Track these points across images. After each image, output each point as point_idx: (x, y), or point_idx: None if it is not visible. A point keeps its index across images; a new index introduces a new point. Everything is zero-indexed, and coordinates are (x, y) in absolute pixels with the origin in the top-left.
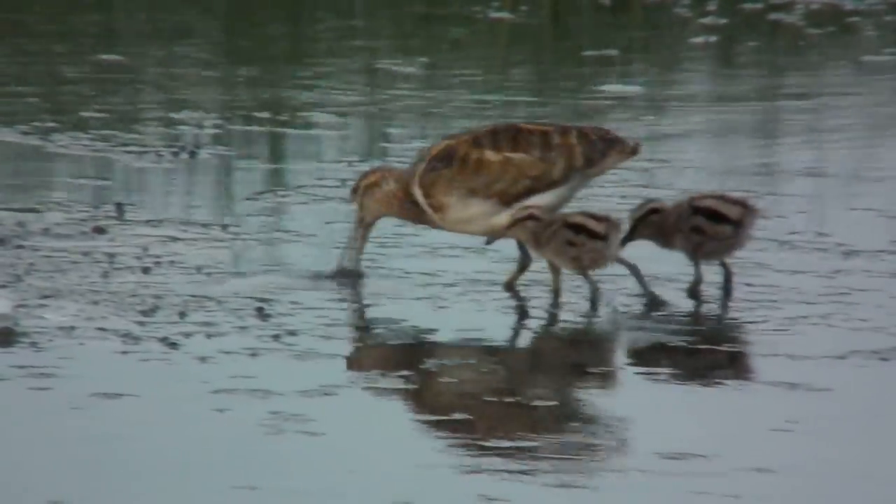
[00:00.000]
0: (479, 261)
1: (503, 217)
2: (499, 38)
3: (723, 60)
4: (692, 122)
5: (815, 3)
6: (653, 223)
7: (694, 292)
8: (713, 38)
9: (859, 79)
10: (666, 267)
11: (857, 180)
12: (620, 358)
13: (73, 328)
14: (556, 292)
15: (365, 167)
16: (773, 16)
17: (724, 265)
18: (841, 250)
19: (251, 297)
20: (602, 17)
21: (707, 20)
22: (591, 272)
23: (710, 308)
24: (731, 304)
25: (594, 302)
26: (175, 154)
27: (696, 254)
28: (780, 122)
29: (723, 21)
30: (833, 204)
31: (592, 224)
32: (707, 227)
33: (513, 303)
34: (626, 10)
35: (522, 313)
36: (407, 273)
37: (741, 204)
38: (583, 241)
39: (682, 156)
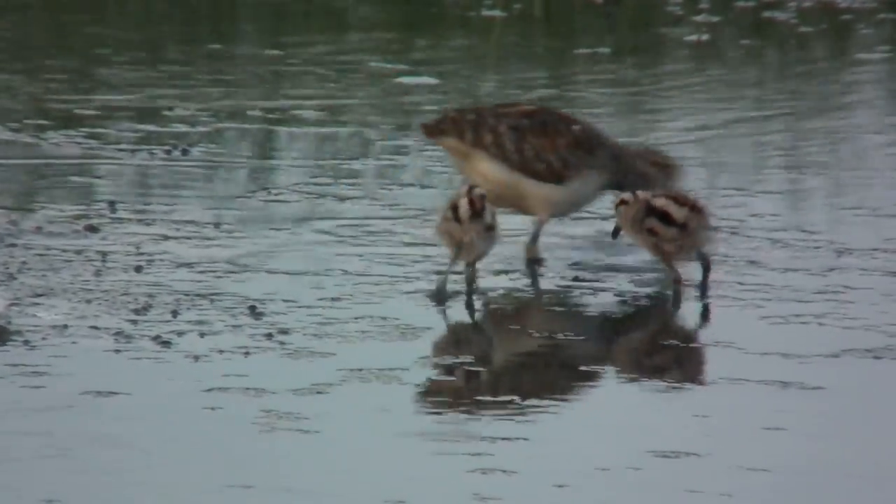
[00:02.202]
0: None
1: None
2: (491, 35)
3: (715, 58)
4: (687, 119)
5: (808, 0)
6: (619, 213)
7: (674, 290)
8: (705, 36)
9: (852, 77)
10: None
11: (851, 178)
12: (611, 357)
13: (65, 326)
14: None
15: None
16: (766, 13)
17: (702, 257)
18: (833, 248)
19: (244, 296)
20: (594, 15)
21: (699, 18)
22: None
23: (701, 306)
24: (719, 301)
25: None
26: (168, 152)
27: (658, 254)
28: (774, 119)
29: (715, 19)
30: (825, 202)
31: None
32: (659, 228)
33: (501, 303)
34: (619, 8)
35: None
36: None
37: (690, 205)
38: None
39: (675, 152)
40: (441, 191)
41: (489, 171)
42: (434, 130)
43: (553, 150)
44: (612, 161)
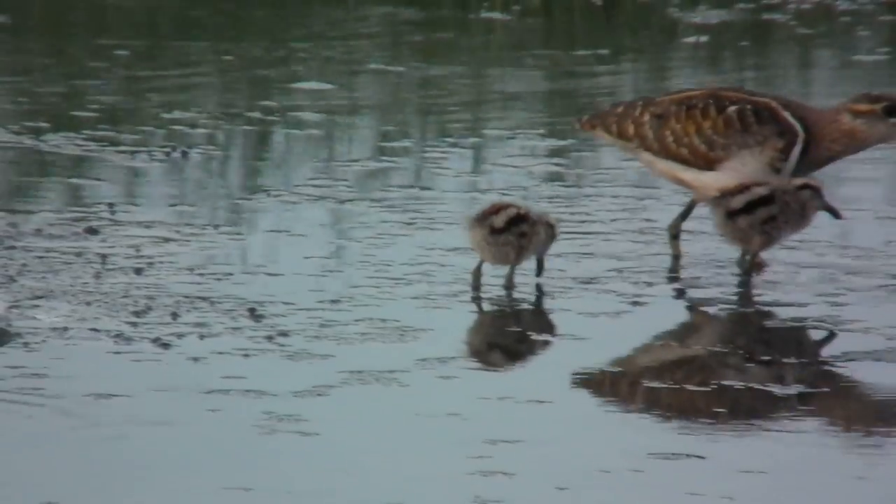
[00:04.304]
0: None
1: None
2: (490, 37)
3: (714, 60)
4: None
5: (806, 2)
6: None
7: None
8: (704, 38)
9: (851, 79)
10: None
11: (850, 179)
12: (611, 358)
13: (65, 329)
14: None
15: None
16: (765, 15)
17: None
18: (833, 250)
19: (244, 298)
20: (594, 16)
21: (698, 19)
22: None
23: (703, 307)
24: (719, 303)
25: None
26: (167, 154)
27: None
28: None
29: (714, 21)
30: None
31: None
32: None
33: (499, 302)
34: (618, 10)
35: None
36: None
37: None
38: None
39: None
40: (440, 193)
41: (644, 160)
42: (585, 124)
43: (697, 133)
44: (788, 134)
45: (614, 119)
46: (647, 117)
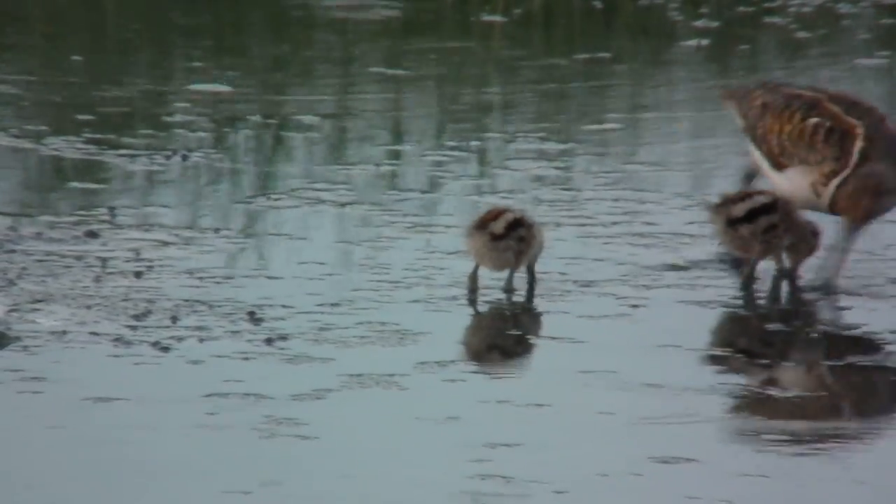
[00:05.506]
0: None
1: None
2: (491, 40)
3: (715, 63)
4: (687, 124)
5: (807, 5)
6: None
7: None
8: (705, 41)
9: (851, 82)
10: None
11: None
12: (612, 362)
13: (65, 332)
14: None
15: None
16: (766, 19)
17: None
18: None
19: (243, 302)
20: (594, 20)
21: (699, 23)
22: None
23: (702, 310)
24: (718, 308)
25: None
26: (167, 158)
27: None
28: None
29: (715, 24)
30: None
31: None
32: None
33: (494, 306)
34: (618, 14)
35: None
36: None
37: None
38: None
39: (672, 158)
40: (440, 196)
41: (747, 142)
42: (725, 94)
43: (777, 135)
44: (841, 162)
45: (743, 95)
46: (758, 102)
